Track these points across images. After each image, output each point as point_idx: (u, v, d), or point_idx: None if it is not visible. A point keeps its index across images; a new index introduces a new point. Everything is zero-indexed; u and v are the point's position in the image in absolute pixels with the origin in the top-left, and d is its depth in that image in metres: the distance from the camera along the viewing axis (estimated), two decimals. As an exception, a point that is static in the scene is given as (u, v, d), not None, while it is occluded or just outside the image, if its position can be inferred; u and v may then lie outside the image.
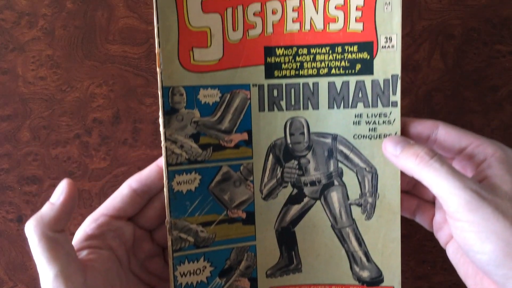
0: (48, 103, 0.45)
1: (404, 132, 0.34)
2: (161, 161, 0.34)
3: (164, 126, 0.33)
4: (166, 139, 0.33)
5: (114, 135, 0.45)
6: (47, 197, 0.45)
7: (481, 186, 0.28)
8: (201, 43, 0.33)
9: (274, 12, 0.34)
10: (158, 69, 0.32)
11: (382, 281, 0.36)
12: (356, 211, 0.36)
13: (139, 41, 0.44)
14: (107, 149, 0.45)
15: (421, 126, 0.34)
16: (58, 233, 0.30)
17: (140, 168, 0.45)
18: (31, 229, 0.29)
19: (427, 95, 0.44)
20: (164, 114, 0.33)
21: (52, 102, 0.45)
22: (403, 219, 0.36)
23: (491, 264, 0.27)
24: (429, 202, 0.37)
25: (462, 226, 0.28)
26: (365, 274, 0.36)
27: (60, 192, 0.31)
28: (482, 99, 0.44)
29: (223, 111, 0.34)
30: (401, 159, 0.31)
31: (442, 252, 0.44)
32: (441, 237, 0.35)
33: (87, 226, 0.33)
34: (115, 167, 0.45)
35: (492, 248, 0.27)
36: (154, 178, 0.34)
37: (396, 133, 0.34)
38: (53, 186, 0.45)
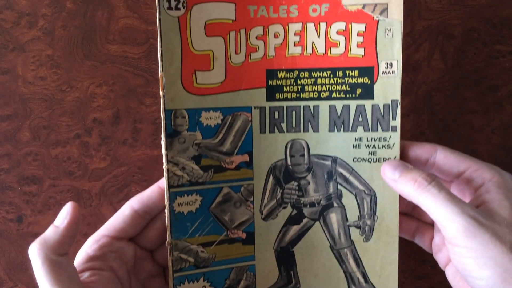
0: (48, 103, 0.45)
1: (403, 155, 0.35)
2: (162, 182, 0.34)
3: (166, 149, 0.33)
4: (168, 161, 0.33)
5: (114, 135, 0.45)
6: (47, 197, 0.45)
7: (479, 211, 0.28)
8: (204, 66, 0.33)
9: (276, 36, 0.34)
10: (161, 92, 0.32)
11: None
12: (355, 233, 0.36)
13: (139, 41, 0.44)
14: (107, 149, 0.45)
15: (419, 150, 0.34)
16: (61, 256, 0.30)
17: (140, 168, 0.45)
18: (35, 252, 0.29)
19: (427, 95, 0.44)
20: (167, 136, 0.33)
21: (52, 102, 0.45)
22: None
23: None
24: (428, 224, 0.37)
25: (460, 252, 0.28)
26: None
27: (65, 215, 0.31)
28: (482, 99, 0.44)
29: (225, 133, 0.35)
30: (399, 183, 0.31)
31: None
32: (440, 259, 0.35)
33: (89, 247, 0.33)
34: (115, 167, 0.45)
35: (490, 274, 0.27)
36: (155, 199, 0.35)
37: (395, 157, 0.34)
38: (53, 186, 0.45)
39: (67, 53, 0.44)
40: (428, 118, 0.44)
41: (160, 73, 0.32)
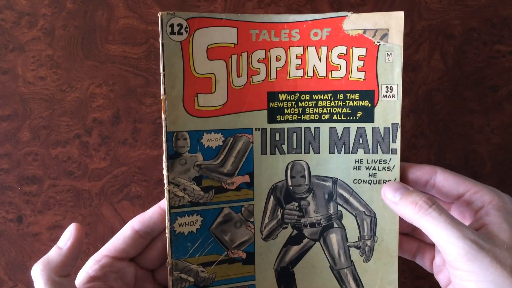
0: (48, 103, 0.45)
1: (403, 177, 0.35)
2: (163, 203, 0.34)
3: (168, 170, 0.34)
4: (169, 182, 0.34)
5: (114, 135, 0.45)
6: (47, 197, 0.45)
7: (479, 235, 0.28)
8: (206, 89, 0.34)
9: (278, 59, 0.35)
10: (163, 115, 0.33)
11: None
12: (355, 253, 0.36)
13: (139, 41, 0.44)
14: (107, 149, 0.45)
15: (419, 172, 0.34)
16: (64, 277, 0.30)
17: (140, 168, 0.45)
18: (38, 273, 0.29)
19: (427, 95, 0.44)
20: (168, 158, 0.34)
21: (52, 102, 0.45)
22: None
23: None
24: (429, 244, 0.37)
25: (461, 275, 0.28)
26: None
27: (68, 237, 0.31)
28: (482, 99, 0.44)
29: (226, 154, 0.35)
30: (400, 206, 0.32)
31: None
32: (441, 279, 0.35)
33: (90, 267, 0.33)
34: (115, 167, 0.45)
35: None
36: (156, 220, 0.35)
37: (395, 179, 0.35)
38: (53, 186, 0.45)
39: (67, 53, 0.44)
40: (428, 118, 0.44)
41: (162, 96, 0.33)
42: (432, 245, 0.36)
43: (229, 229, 0.36)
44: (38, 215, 0.45)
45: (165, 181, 0.34)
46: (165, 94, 0.33)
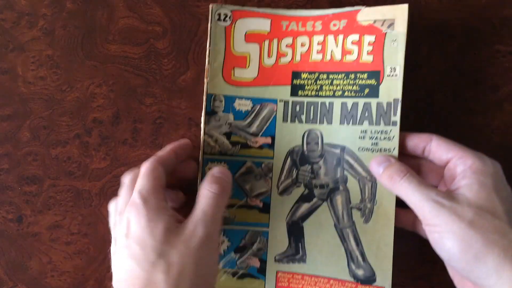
0: (48, 103, 0.45)
1: (403, 144, 0.39)
2: (174, 146, 0.40)
3: (205, 123, 0.41)
4: (204, 133, 0.41)
5: (114, 135, 0.45)
6: (47, 197, 0.45)
7: (442, 195, 0.34)
8: (241, 65, 0.42)
9: (302, 45, 0.42)
10: (205, 80, 0.41)
11: (374, 280, 0.40)
12: (356, 215, 0.40)
13: (139, 41, 0.44)
14: (107, 149, 0.45)
15: (417, 139, 0.39)
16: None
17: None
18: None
19: (427, 95, 0.44)
20: (206, 114, 0.41)
21: (52, 102, 0.45)
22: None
23: (452, 259, 0.33)
24: None
25: (429, 229, 0.34)
26: (360, 272, 0.40)
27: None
28: (482, 99, 0.44)
29: (253, 118, 0.42)
30: (382, 178, 0.37)
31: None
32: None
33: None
34: (115, 167, 0.45)
35: (450, 245, 0.33)
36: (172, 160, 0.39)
37: (394, 148, 0.39)
38: (53, 186, 0.45)
39: (67, 53, 0.44)
40: (428, 118, 0.44)
41: (206, 66, 0.41)
42: None
43: (250, 180, 0.42)
44: (38, 215, 0.45)
45: (202, 132, 0.41)
46: (209, 64, 0.41)
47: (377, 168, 0.38)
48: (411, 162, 0.39)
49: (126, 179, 0.37)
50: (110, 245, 0.37)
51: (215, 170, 0.38)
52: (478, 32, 0.44)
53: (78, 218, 0.45)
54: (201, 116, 0.41)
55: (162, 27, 0.44)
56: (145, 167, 0.36)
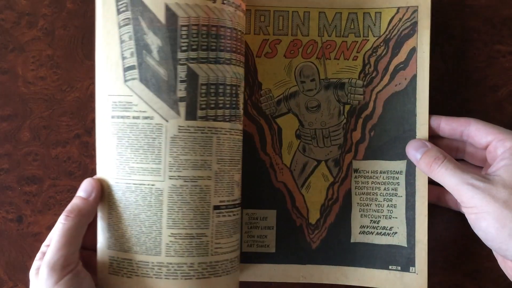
0: (48, 103, 0.45)
1: (440, 128, 0.41)
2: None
3: None
4: None
5: (114, 135, 0.45)
6: (47, 197, 0.45)
7: (477, 178, 0.35)
8: None
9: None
10: None
11: None
12: None
13: (139, 41, 0.44)
14: (107, 149, 0.45)
15: (455, 123, 0.40)
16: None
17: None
18: (71, 219, 0.36)
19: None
20: None
21: (52, 102, 0.45)
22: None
23: (488, 239, 0.35)
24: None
25: (467, 211, 0.36)
26: None
27: (91, 189, 0.37)
28: (482, 99, 0.44)
29: None
30: (420, 164, 0.39)
31: (442, 251, 0.44)
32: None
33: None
34: (115, 167, 0.45)
35: (486, 225, 0.35)
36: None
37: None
38: (53, 186, 0.45)
39: (67, 53, 0.44)
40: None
41: None
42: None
43: None
44: (38, 215, 0.45)
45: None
46: None
47: (415, 154, 0.39)
48: (453, 144, 0.41)
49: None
50: (110, 245, 0.37)
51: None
52: (478, 32, 0.44)
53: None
54: None
55: (162, 27, 0.44)
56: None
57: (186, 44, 0.36)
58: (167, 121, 0.36)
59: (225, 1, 0.37)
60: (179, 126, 0.36)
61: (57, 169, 0.45)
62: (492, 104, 0.44)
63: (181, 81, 0.36)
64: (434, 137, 0.41)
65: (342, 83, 0.43)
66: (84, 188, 0.37)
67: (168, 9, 0.36)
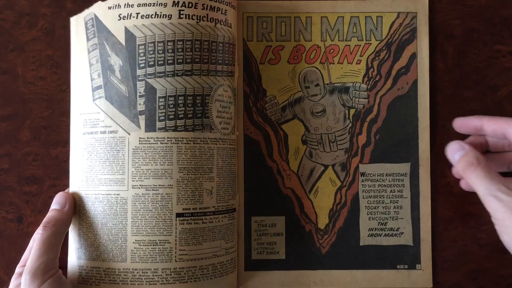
0: (48, 103, 0.45)
1: (483, 129, 0.41)
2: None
3: None
4: None
5: (114, 135, 0.45)
6: (47, 197, 0.45)
7: (503, 190, 0.36)
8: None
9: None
10: None
11: None
12: None
13: (139, 41, 0.44)
14: (107, 149, 0.45)
15: (495, 125, 0.40)
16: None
17: (140, 168, 0.44)
18: (48, 230, 0.38)
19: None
20: None
21: (52, 102, 0.45)
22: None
23: (511, 250, 0.36)
24: None
25: (494, 222, 0.37)
26: None
27: (65, 201, 0.40)
28: (482, 99, 0.44)
29: None
30: (457, 165, 0.40)
31: (442, 251, 0.44)
32: None
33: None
34: (115, 167, 0.45)
35: (507, 238, 0.36)
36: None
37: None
38: (53, 186, 0.45)
39: (67, 53, 0.44)
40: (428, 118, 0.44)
41: None
42: None
43: None
44: (38, 215, 0.45)
45: None
46: None
47: (452, 155, 0.40)
48: (501, 143, 0.41)
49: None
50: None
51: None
52: (478, 32, 0.44)
53: (78, 218, 0.45)
54: None
55: (162, 27, 0.44)
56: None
57: (143, 61, 0.38)
58: (129, 134, 0.38)
59: (181, 15, 0.38)
60: (140, 138, 0.38)
61: (57, 169, 0.45)
62: (492, 104, 0.44)
63: (140, 96, 0.38)
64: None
65: (346, 87, 0.43)
66: (58, 201, 0.40)
67: (127, 31, 0.38)
